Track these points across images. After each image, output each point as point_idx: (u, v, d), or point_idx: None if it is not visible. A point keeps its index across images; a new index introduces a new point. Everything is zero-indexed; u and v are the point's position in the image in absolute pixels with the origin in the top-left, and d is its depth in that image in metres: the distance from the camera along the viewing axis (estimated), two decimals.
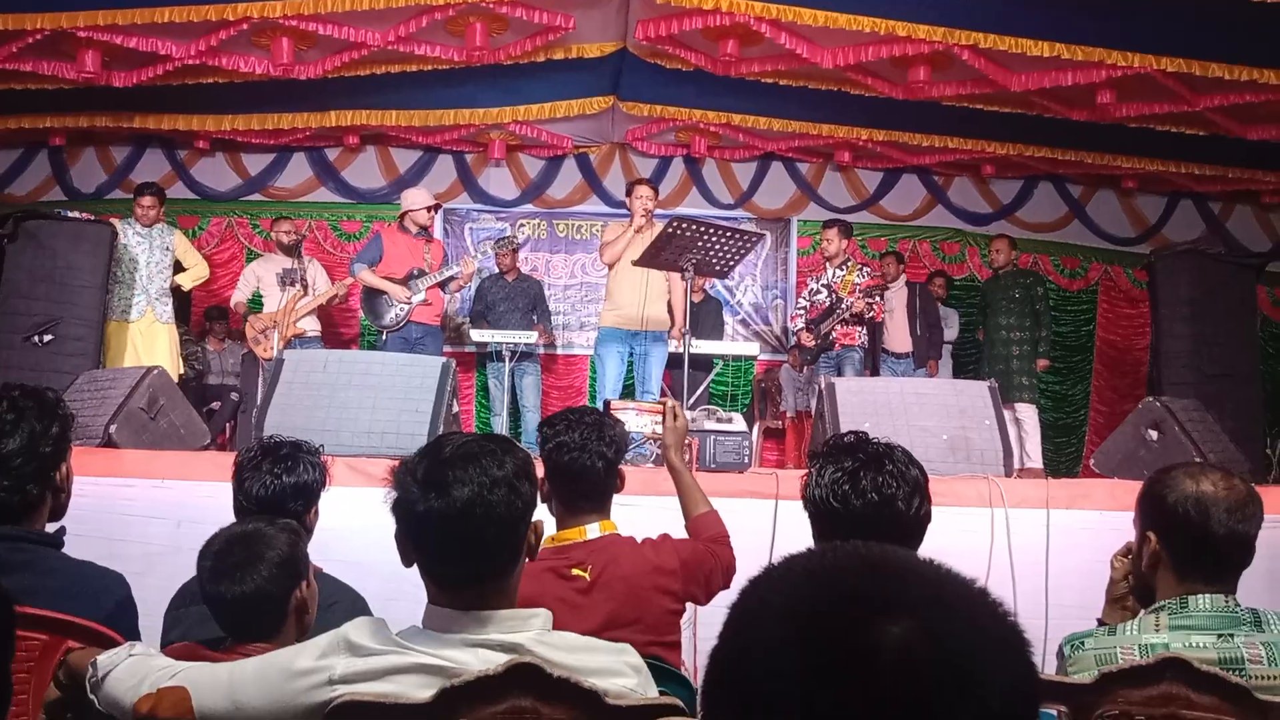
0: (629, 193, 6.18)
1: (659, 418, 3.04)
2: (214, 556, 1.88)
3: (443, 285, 6.74)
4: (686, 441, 3.89)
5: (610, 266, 6.11)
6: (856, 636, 0.64)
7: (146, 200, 6.66)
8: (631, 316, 5.97)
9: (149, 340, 6.51)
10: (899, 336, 7.70)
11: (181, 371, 6.72)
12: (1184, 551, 1.80)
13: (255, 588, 1.83)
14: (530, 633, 1.51)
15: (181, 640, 2.06)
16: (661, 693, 1.58)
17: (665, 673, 1.83)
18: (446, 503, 1.49)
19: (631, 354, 6.11)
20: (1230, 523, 1.78)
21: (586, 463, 2.29)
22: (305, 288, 7.14)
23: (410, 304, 6.48)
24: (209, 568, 1.87)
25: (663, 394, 6.29)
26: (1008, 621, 0.69)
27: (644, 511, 2.67)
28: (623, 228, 6.04)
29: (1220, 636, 1.73)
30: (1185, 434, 4.28)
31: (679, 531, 2.58)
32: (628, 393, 6.51)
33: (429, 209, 6.74)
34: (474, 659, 1.47)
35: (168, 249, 6.69)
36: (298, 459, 2.36)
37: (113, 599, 2.01)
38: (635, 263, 5.75)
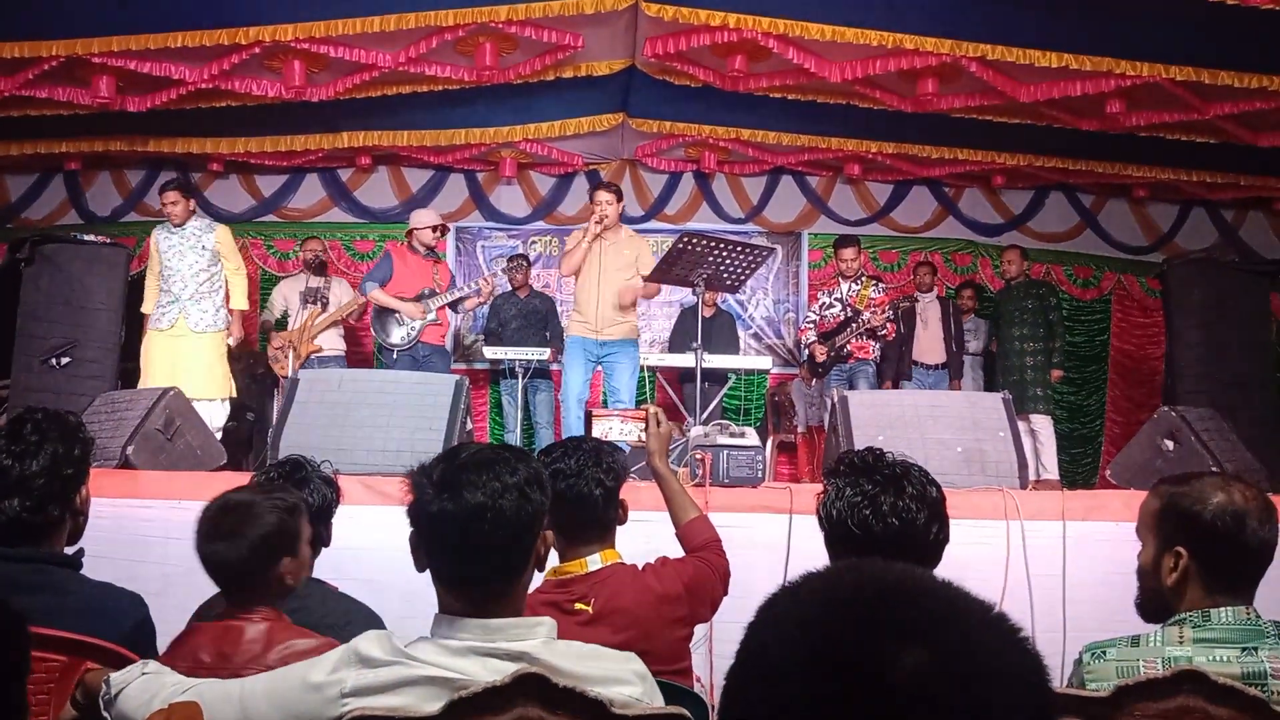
0: (590, 199, 6.06)
1: (643, 425, 3.01)
2: (208, 520, 2.01)
3: (454, 305, 6.77)
4: (699, 457, 3.90)
5: (574, 276, 6.01)
6: (872, 665, 0.63)
7: (169, 196, 6.10)
8: (592, 325, 5.89)
9: (178, 352, 5.99)
10: (932, 348, 7.66)
11: (231, 392, 6.18)
12: (1218, 565, 1.80)
13: (236, 557, 1.95)
14: (537, 641, 1.54)
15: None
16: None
17: (678, 691, 1.83)
18: (458, 505, 1.53)
19: (600, 363, 6.00)
20: (1262, 533, 1.79)
21: (584, 490, 2.25)
22: (324, 306, 7.21)
23: (423, 322, 6.51)
24: (202, 529, 2.00)
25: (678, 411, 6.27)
26: (1025, 649, 0.68)
27: (664, 526, 2.65)
28: (582, 234, 5.93)
29: (1244, 650, 1.72)
30: (1201, 443, 4.26)
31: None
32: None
33: (434, 229, 6.76)
34: (482, 669, 1.49)
35: (204, 248, 6.09)
36: (310, 479, 2.38)
37: (131, 620, 2.03)
38: (646, 279, 5.76)
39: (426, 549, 1.58)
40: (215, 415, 5.95)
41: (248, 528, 1.97)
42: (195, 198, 6.27)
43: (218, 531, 1.98)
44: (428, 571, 1.60)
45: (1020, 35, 5.91)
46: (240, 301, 6.30)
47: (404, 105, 7.26)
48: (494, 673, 1.46)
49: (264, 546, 1.97)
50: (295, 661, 1.65)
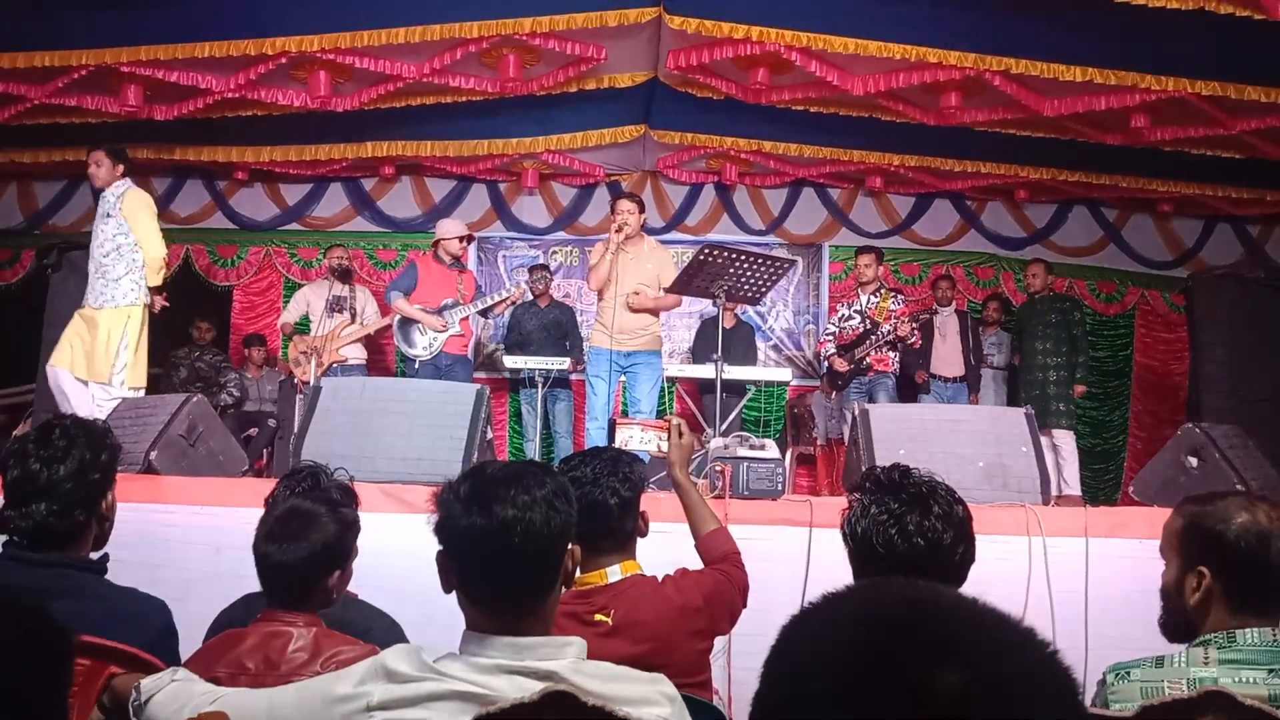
0: (611, 210, 6.02)
1: (664, 435, 3.01)
2: (273, 520, 2.06)
3: (485, 312, 6.79)
4: (719, 468, 3.89)
5: (600, 291, 5.94)
6: (911, 686, 0.62)
7: (93, 156, 5.41)
8: (614, 336, 5.83)
9: (77, 331, 5.30)
10: (950, 360, 7.64)
11: (106, 378, 5.24)
12: (1242, 585, 1.79)
13: (293, 560, 1.99)
14: (566, 660, 1.52)
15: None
16: None
17: (696, 705, 1.82)
18: (488, 520, 1.52)
19: (624, 373, 5.96)
20: None
21: (598, 497, 2.24)
22: (353, 316, 7.24)
23: (445, 333, 6.53)
24: (266, 529, 2.05)
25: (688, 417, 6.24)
26: (1060, 668, 0.68)
27: (684, 538, 2.65)
28: (604, 247, 5.89)
29: (1271, 672, 1.70)
30: (1225, 460, 4.21)
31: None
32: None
33: (461, 239, 6.79)
34: (510, 686, 1.48)
35: (109, 215, 5.38)
36: (330, 491, 2.38)
37: (155, 626, 2.04)
38: (668, 290, 5.76)
39: (456, 566, 1.57)
40: (80, 400, 5.18)
41: (309, 534, 2.02)
42: (125, 163, 5.49)
43: (281, 533, 2.02)
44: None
45: (1044, 49, 5.88)
46: (150, 278, 5.39)
47: (428, 116, 7.31)
48: (522, 690, 1.45)
49: (321, 555, 2.01)
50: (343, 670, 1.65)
